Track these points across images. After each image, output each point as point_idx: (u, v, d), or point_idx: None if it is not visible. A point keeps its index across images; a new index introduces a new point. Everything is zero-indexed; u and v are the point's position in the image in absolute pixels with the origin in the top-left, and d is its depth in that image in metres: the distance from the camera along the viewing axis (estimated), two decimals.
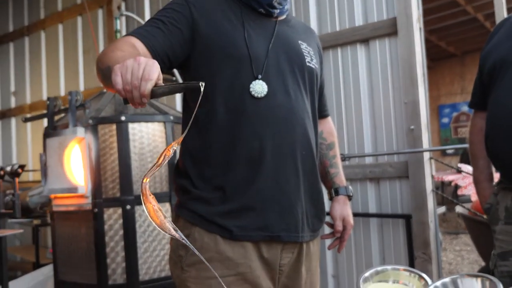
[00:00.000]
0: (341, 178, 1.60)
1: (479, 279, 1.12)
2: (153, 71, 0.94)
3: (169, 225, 0.81)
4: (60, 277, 2.80)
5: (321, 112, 1.57)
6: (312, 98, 1.43)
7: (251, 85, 1.28)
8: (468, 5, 7.03)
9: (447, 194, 7.98)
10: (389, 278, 1.29)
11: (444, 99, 10.91)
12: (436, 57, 10.36)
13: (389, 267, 1.31)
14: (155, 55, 1.23)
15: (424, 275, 1.24)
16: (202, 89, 0.95)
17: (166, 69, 1.31)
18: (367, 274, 1.30)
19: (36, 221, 4.56)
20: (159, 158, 0.87)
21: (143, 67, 0.94)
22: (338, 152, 1.64)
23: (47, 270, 3.64)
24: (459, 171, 3.43)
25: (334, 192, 1.58)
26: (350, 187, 1.61)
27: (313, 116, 1.42)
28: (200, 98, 0.95)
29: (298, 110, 1.33)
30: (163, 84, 0.97)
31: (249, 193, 1.26)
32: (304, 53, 1.41)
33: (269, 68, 1.31)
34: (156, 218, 0.80)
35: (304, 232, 1.35)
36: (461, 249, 5.61)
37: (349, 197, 1.59)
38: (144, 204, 0.81)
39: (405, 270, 1.29)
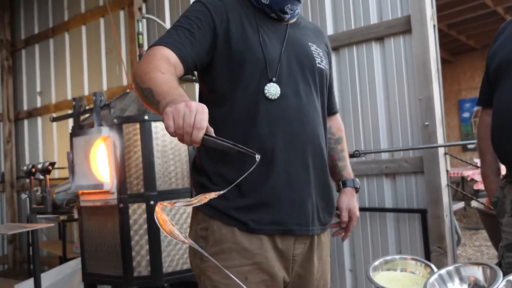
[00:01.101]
0: (348, 171, 1.66)
1: (480, 267, 1.19)
2: (204, 119, 1.02)
3: (178, 232, 0.91)
4: (88, 270, 2.93)
5: (330, 110, 1.63)
6: (322, 98, 1.50)
7: (265, 88, 1.36)
8: None
9: (468, 190, 7.96)
10: (397, 267, 1.36)
11: (465, 94, 10.81)
12: (457, 51, 10.27)
13: (397, 256, 1.38)
14: (186, 65, 1.32)
15: (430, 264, 1.32)
16: (258, 160, 1.05)
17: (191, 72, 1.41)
18: (376, 263, 1.37)
19: (62, 217, 4.72)
20: (194, 200, 1.00)
21: (194, 114, 1.01)
22: (345, 147, 1.70)
23: (74, 264, 3.79)
24: (476, 166, 3.46)
25: (342, 184, 1.64)
26: (357, 179, 1.66)
27: (322, 115, 1.49)
28: (254, 166, 1.05)
29: (309, 110, 1.41)
30: (215, 137, 1.05)
31: (263, 189, 1.34)
32: (314, 55, 1.48)
33: (281, 71, 1.39)
34: (166, 227, 0.90)
35: (314, 225, 1.42)
36: (480, 245, 5.61)
37: (356, 190, 1.65)
38: (158, 220, 0.92)
39: (412, 259, 1.37)
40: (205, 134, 1.04)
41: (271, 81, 1.37)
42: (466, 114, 10.93)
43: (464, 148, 10.27)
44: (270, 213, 1.35)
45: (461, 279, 1.20)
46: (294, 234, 1.38)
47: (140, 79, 1.22)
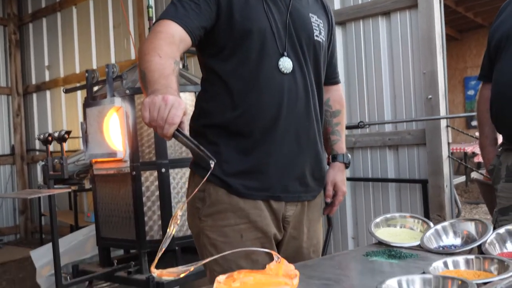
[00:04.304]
0: (340, 146, 1.68)
1: (473, 222, 1.30)
2: (177, 115, 1.07)
3: (185, 268, 0.98)
4: (102, 234, 3.07)
5: (329, 79, 1.65)
6: (317, 71, 1.51)
7: (280, 62, 1.40)
8: None
9: (470, 165, 8.04)
10: (397, 224, 1.47)
11: (471, 71, 10.79)
12: (464, 28, 10.22)
13: (397, 214, 1.50)
14: (193, 38, 1.36)
15: (427, 220, 1.43)
16: (212, 166, 1.12)
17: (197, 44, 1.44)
18: (378, 220, 1.49)
19: (73, 187, 4.85)
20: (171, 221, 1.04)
21: (169, 109, 1.07)
22: (343, 120, 1.70)
23: (87, 231, 3.93)
24: (477, 138, 3.55)
25: (332, 158, 1.67)
26: (348, 155, 1.68)
27: (317, 88, 1.51)
28: (207, 175, 1.15)
29: (305, 83, 1.45)
30: (186, 136, 1.11)
31: (256, 156, 1.40)
32: (314, 26, 1.49)
33: (287, 44, 1.42)
34: (173, 274, 0.98)
35: (303, 193, 1.49)
36: (480, 218, 5.72)
37: (346, 165, 1.67)
38: (165, 276, 0.99)
39: (411, 217, 1.48)
40: (178, 130, 1.09)
41: (282, 55, 1.40)
42: (471, 92, 10.92)
43: (468, 126, 10.31)
44: (259, 180, 1.40)
45: (455, 233, 1.31)
46: (282, 200, 1.45)
47: (140, 59, 1.27)
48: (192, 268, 0.96)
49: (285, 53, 1.41)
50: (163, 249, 0.99)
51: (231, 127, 1.41)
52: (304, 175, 1.48)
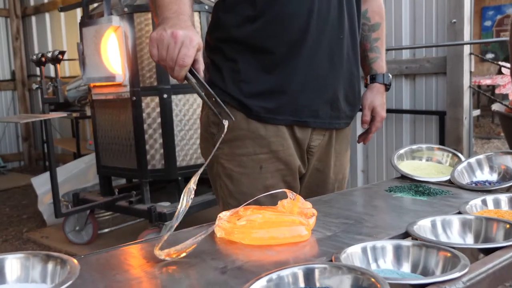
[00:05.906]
0: (380, 64, 1.46)
1: None
2: (188, 55, 0.94)
3: (190, 242, 0.79)
4: (102, 163, 2.96)
5: None
6: None
7: None
8: None
9: (482, 100, 7.82)
10: (422, 156, 1.32)
11: (489, 1, 10.27)
12: None
13: (423, 145, 1.34)
14: None
15: (458, 153, 1.27)
16: (226, 126, 0.99)
17: None
18: (401, 151, 1.33)
19: (75, 114, 4.72)
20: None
21: (179, 47, 0.94)
22: (383, 35, 1.47)
23: (89, 159, 3.84)
24: (500, 71, 3.34)
25: (370, 79, 1.45)
26: (389, 75, 1.46)
27: None
28: (223, 133, 1.00)
29: None
30: (199, 81, 0.98)
31: (279, 75, 1.22)
32: None
33: None
34: (180, 252, 0.78)
35: (334, 119, 1.31)
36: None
37: (386, 86, 1.45)
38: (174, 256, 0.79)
39: (439, 149, 1.32)
40: (191, 72, 0.97)
41: None
42: (488, 23, 10.44)
43: (482, 59, 9.96)
44: (283, 102, 1.23)
45: (491, 168, 1.16)
46: (309, 126, 1.28)
47: None
48: (201, 237, 0.78)
49: None
50: (174, 226, 0.80)
51: (251, 42, 1.21)
52: (337, 97, 1.28)
